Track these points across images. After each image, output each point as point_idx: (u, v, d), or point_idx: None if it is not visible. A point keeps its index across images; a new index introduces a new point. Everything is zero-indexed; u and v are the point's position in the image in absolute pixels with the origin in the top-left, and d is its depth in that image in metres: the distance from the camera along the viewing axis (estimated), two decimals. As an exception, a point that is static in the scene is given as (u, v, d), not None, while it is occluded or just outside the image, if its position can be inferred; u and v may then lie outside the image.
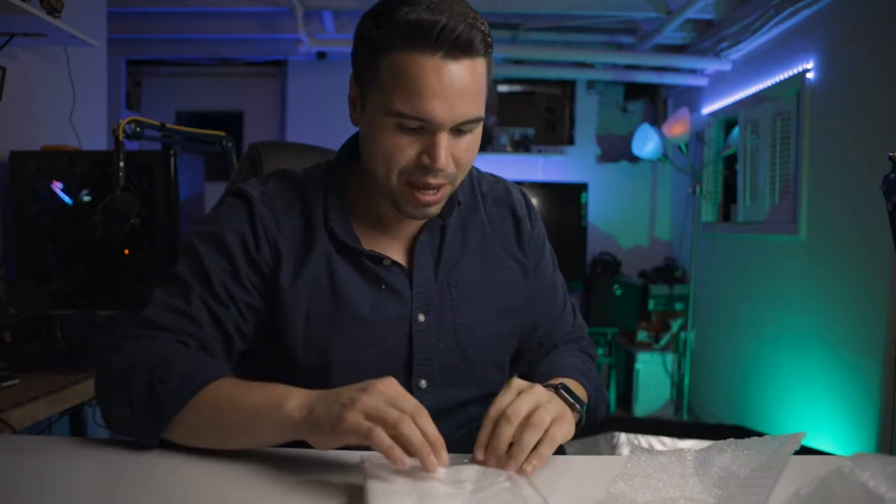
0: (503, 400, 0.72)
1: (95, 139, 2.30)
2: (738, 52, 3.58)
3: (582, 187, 4.30)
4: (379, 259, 0.89)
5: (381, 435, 0.63)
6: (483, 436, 0.71)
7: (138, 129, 1.64)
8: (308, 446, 0.72)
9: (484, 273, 0.95)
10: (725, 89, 3.75)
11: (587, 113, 4.60)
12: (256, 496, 0.66)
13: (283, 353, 0.88)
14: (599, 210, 4.48)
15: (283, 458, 0.74)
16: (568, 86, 4.64)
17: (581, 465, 0.82)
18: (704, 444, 0.71)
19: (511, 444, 0.70)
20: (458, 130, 0.80)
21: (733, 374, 3.52)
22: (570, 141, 4.62)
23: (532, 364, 1.01)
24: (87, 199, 1.73)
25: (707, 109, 3.94)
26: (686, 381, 3.79)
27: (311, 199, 0.91)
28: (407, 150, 0.80)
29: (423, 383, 0.90)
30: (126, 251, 1.73)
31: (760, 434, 0.75)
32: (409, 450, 0.64)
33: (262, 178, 0.95)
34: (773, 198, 3.19)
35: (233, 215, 0.89)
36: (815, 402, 2.78)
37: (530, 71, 4.27)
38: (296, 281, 0.87)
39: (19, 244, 1.74)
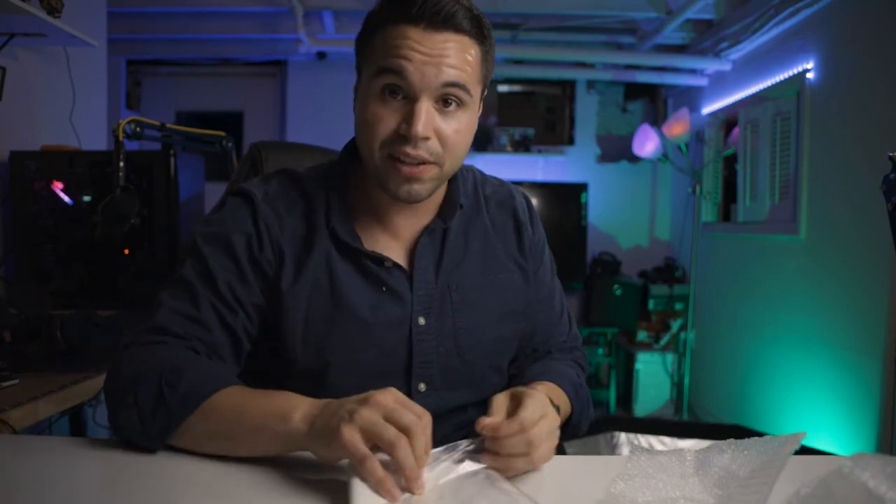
0: (532, 416, 0.71)
1: (95, 139, 2.30)
2: (738, 52, 3.58)
3: (582, 187, 4.30)
4: (380, 260, 0.89)
5: (373, 468, 0.62)
6: (504, 429, 0.70)
7: (138, 129, 1.64)
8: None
9: (485, 277, 0.95)
10: (725, 89, 3.75)
11: (587, 113, 4.60)
12: (256, 496, 0.66)
13: (282, 352, 0.88)
14: (599, 210, 4.48)
15: (284, 458, 0.74)
16: (568, 86, 4.65)
17: (581, 465, 0.82)
18: (704, 444, 0.71)
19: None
20: (443, 101, 0.81)
21: (733, 374, 3.52)
22: (570, 141, 4.62)
23: (523, 368, 1.00)
24: (87, 199, 1.73)
25: (707, 109, 3.94)
26: (686, 381, 3.79)
27: (314, 199, 0.91)
28: (387, 120, 0.81)
29: (423, 386, 0.90)
30: (126, 251, 1.73)
31: (760, 434, 0.75)
32: (401, 471, 0.63)
33: (265, 177, 0.95)
34: (773, 198, 3.19)
35: (236, 215, 0.89)
36: (815, 402, 2.78)
37: (530, 71, 4.27)
38: (295, 282, 0.87)
39: (19, 244, 1.74)
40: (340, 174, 0.93)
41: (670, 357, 4.01)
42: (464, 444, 0.73)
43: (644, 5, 3.57)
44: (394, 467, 0.63)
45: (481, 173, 1.03)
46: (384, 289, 0.89)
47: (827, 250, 2.76)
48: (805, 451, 1.97)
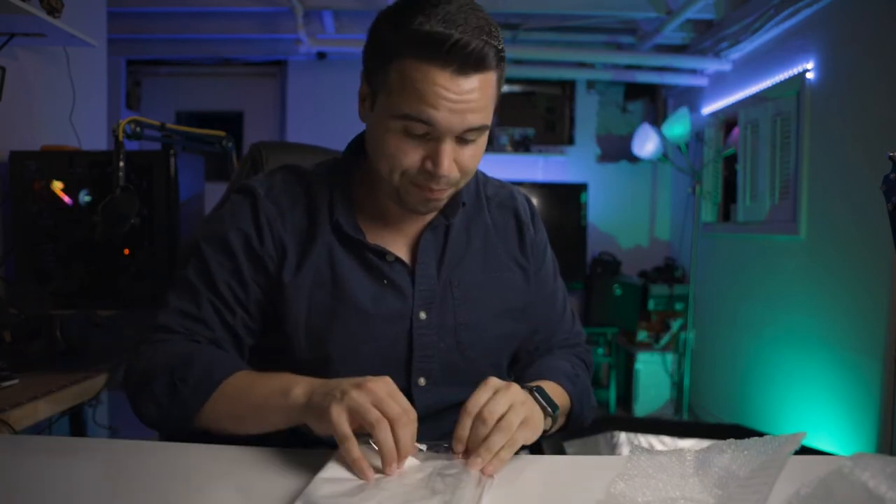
0: (480, 397, 0.73)
1: (95, 139, 2.30)
2: (738, 52, 3.58)
3: (582, 187, 4.30)
4: (382, 254, 0.90)
5: (351, 448, 0.66)
6: (461, 430, 0.72)
7: (138, 129, 1.64)
8: (308, 446, 0.74)
9: (486, 274, 0.96)
10: (725, 89, 3.75)
11: (587, 113, 4.60)
12: (257, 496, 0.66)
13: (284, 345, 0.90)
14: (599, 210, 4.48)
15: (285, 457, 0.74)
16: (568, 86, 4.65)
17: (581, 465, 0.82)
18: (704, 443, 0.71)
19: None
20: (462, 139, 0.81)
21: (733, 374, 3.52)
22: (570, 141, 4.62)
23: (525, 367, 1.01)
24: (87, 199, 1.73)
25: (707, 109, 3.94)
26: (686, 381, 3.79)
27: (318, 193, 0.92)
28: (411, 154, 0.81)
29: (423, 381, 0.90)
30: (126, 251, 1.73)
31: (760, 434, 0.75)
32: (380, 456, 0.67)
33: (270, 172, 0.97)
34: (773, 198, 3.19)
35: (236, 213, 0.91)
36: (815, 402, 2.78)
37: (530, 71, 4.27)
38: (297, 274, 0.89)
39: (19, 244, 1.74)
40: (345, 170, 0.94)
41: (670, 357, 4.01)
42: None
43: (644, 5, 3.57)
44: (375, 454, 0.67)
45: (483, 174, 1.04)
46: (385, 282, 0.90)
47: (827, 250, 2.76)
48: (805, 451, 1.97)
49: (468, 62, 0.76)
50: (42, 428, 1.75)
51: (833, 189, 2.72)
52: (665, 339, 4.04)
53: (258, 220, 0.89)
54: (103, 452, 0.76)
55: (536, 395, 0.82)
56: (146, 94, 4.54)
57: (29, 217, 1.74)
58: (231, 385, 0.80)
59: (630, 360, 4.10)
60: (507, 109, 4.62)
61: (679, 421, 3.70)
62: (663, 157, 3.89)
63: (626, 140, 4.38)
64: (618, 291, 4.14)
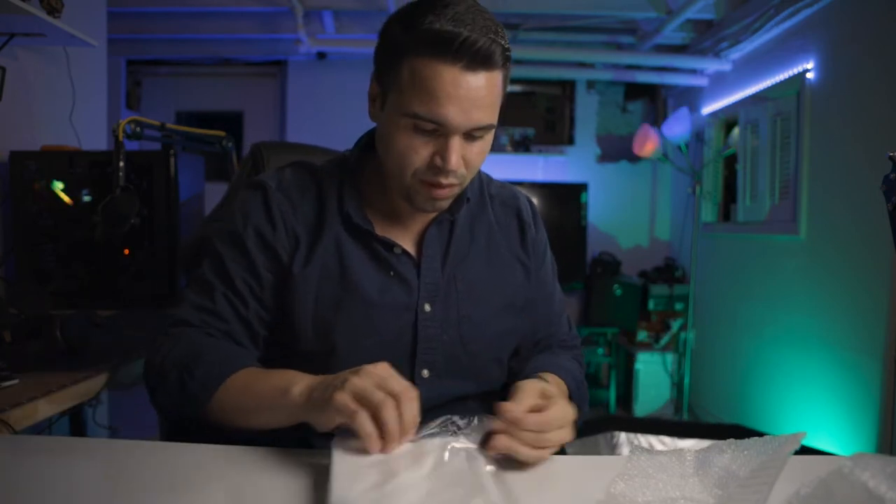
0: (555, 418, 0.74)
1: (95, 139, 2.30)
2: (738, 52, 3.58)
3: (582, 187, 4.30)
4: (390, 246, 0.93)
5: (364, 421, 0.66)
6: (518, 409, 0.72)
7: (138, 129, 1.64)
8: (308, 446, 0.74)
9: (489, 270, 0.98)
10: (725, 89, 3.75)
11: (587, 113, 4.60)
12: (257, 496, 0.66)
13: (290, 335, 0.91)
14: (599, 210, 4.48)
15: (285, 457, 0.74)
16: (568, 86, 4.64)
17: (581, 465, 0.82)
18: (704, 444, 0.71)
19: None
20: (470, 136, 0.84)
21: (733, 374, 3.52)
22: (570, 141, 4.62)
23: (525, 361, 1.02)
24: (87, 199, 1.73)
25: (707, 109, 3.94)
26: (686, 381, 3.79)
27: (327, 186, 0.95)
28: (421, 150, 0.84)
29: (426, 373, 0.92)
30: (126, 251, 1.73)
31: (760, 434, 0.75)
32: (383, 433, 0.67)
33: (279, 168, 0.99)
34: (773, 198, 3.19)
35: (247, 207, 0.93)
36: (815, 402, 2.78)
37: (530, 71, 4.27)
38: (306, 265, 0.91)
39: (19, 244, 1.74)
40: (354, 166, 0.97)
41: (670, 357, 4.01)
42: (459, 421, 0.74)
43: (644, 5, 3.57)
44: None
45: (486, 175, 1.07)
46: (392, 273, 0.92)
47: (827, 250, 2.76)
48: (805, 451, 1.97)
49: (476, 59, 0.79)
50: (42, 428, 1.75)
51: (833, 189, 2.72)
52: (665, 339, 4.04)
53: (270, 213, 0.92)
54: (103, 452, 0.76)
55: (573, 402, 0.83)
56: (146, 94, 4.54)
57: (29, 217, 1.74)
58: (236, 381, 0.81)
59: (630, 360, 4.10)
60: (507, 109, 4.51)
61: (679, 421, 3.70)
62: (663, 157, 3.89)
63: (626, 140, 4.38)
64: (618, 291, 4.14)
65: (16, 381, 1.11)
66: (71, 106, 2.11)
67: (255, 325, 0.91)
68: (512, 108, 4.62)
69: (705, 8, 3.45)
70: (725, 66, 3.72)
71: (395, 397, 0.67)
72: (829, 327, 2.71)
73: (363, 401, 0.67)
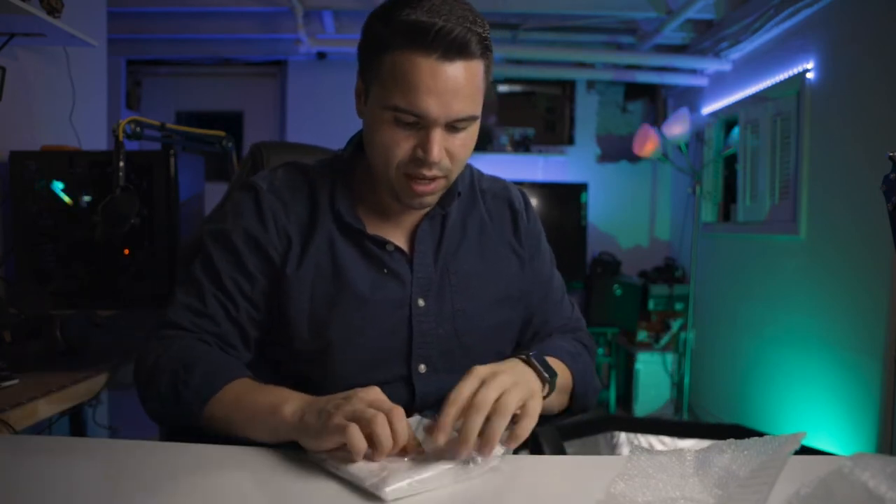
0: (465, 388, 0.71)
1: (95, 139, 2.30)
2: (738, 52, 3.58)
3: (582, 187, 4.30)
4: (382, 243, 0.93)
5: (355, 433, 0.66)
6: (445, 420, 0.69)
7: (138, 129, 1.64)
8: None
9: (482, 262, 0.98)
10: (725, 89, 3.75)
11: (587, 113, 4.60)
12: (257, 495, 0.66)
13: (285, 335, 0.91)
14: (599, 210, 4.48)
15: (285, 457, 0.74)
16: (568, 86, 4.64)
17: (581, 465, 0.82)
18: (704, 443, 0.71)
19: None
20: (452, 127, 0.84)
21: (733, 374, 3.52)
22: (570, 141, 4.62)
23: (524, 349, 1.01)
24: (87, 199, 1.73)
25: (707, 109, 3.94)
26: (686, 381, 3.79)
27: (319, 186, 0.95)
28: (403, 143, 0.84)
29: (423, 367, 0.92)
30: (126, 251, 1.73)
31: (760, 434, 0.75)
32: (375, 444, 0.67)
33: (272, 169, 0.99)
34: (773, 198, 3.19)
35: (239, 209, 0.93)
36: (815, 402, 2.78)
37: (530, 71, 4.27)
38: (300, 265, 0.91)
39: (19, 244, 1.74)
40: (345, 165, 0.97)
41: (670, 357, 4.01)
42: (431, 421, 0.73)
43: (644, 5, 3.57)
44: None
45: (478, 171, 1.07)
46: (385, 270, 0.92)
47: (827, 250, 2.76)
48: (805, 451, 1.97)
49: (452, 48, 0.79)
50: (42, 428, 1.75)
51: (833, 189, 2.72)
52: (665, 339, 4.04)
53: (262, 214, 0.92)
54: (103, 452, 0.76)
55: (532, 360, 0.80)
56: (146, 94, 4.54)
57: (29, 217, 1.74)
58: (229, 392, 0.81)
59: (630, 360, 4.10)
60: (507, 109, 4.62)
61: (679, 421, 3.70)
62: (663, 157, 3.89)
63: (626, 140, 4.38)
64: (618, 291, 4.14)
65: (16, 381, 1.11)
66: (71, 106, 2.10)
67: (247, 326, 0.91)
68: (512, 108, 4.63)
69: (705, 8, 3.45)
70: (725, 66, 3.72)
71: (387, 413, 0.68)
72: (829, 327, 2.71)
73: (354, 418, 0.68)
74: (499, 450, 0.71)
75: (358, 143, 0.97)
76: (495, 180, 1.07)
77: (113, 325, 1.35)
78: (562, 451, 0.88)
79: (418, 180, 0.86)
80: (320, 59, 4.31)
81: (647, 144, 3.74)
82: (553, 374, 0.81)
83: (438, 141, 0.83)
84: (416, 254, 0.94)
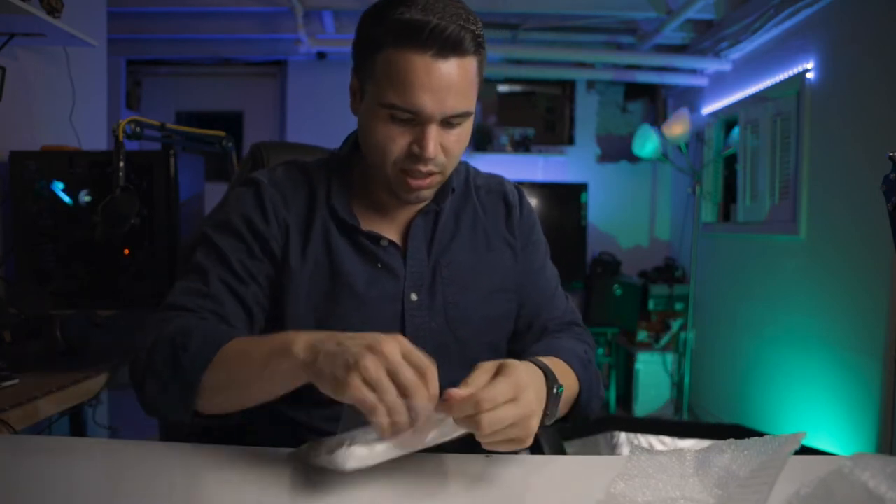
0: (497, 394, 0.67)
1: (95, 139, 2.30)
2: (738, 52, 3.58)
3: (582, 187, 4.30)
4: (377, 239, 0.94)
5: (382, 416, 0.63)
6: (456, 393, 0.66)
7: (138, 129, 1.64)
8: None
9: (475, 256, 0.99)
10: (725, 89, 3.75)
11: (587, 113, 4.59)
12: (257, 495, 0.66)
13: (281, 327, 0.90)
14: (599, 210, 4.48)
15: (285, 457, 0.74)
16: (568, 86, 4.64)
17: (581, 465, 0.82)
18: (704, 443, 0.71)
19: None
20: (447, 123, 0.85)
21: (733, 374, 3.52)
22: (570, 141, 4.61)
23: (526, 346, 0.99)
24: (87, 199, 1.73)
25: (707, 109, 3.94)
26: (686, 381, 3.79)
27: (316, 181, 0.96)
28: (399, 140, 0.85)
29: None
30: (126, 251, 1.73)
31: (760, 434, 0.75)
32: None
33: (271, 167, 1.01)
34: (773, 198, 3.19)
35: (240, 201, 0.94)
36: (815, 402, 2.78)
37: (530, 71, 4.27)
38: (299, 260, 0.91)
39: (19, 244, 1.74)
40: (341, 162, 0.99)
41: (670, 357, 4.01)
42: None
43: (644, 5, 3.57)
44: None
45: (474, 168, 1.08)
46: (380, 265, 0.93)
47: (827, 250, 2.76)
48: (805, 451, 1.97)
49: (447, 46, 0.81)
50: (42, 428, 1.75)
51: (833, 189, 2.72)
52: (665, 339, 4.04)
53: (263, 205, 0.93)
54: (103, 452, 0.76)
55: (543, 371, 0.77)
56: (146, 94, 4.54)
57: (29, 217, 1.74)
58: (231, 349, 0.77)
59: (630, 360, 4.10)
60: (507, 109, 4.62)
61: (679, 421, 3.70)
62: (663, 157, 3.89)
63: (626, 140, 4.38)
64: (618, 291, 4.14)
65: (16, 381, 1.11)
66: (71, 106, 2.11)
67: (253, 307, 0.89)
68: (512, 108, 4.63)
69: (705, 8, 3.45)
70: (725, 66, 3.72)
71: (407, 392, 0.64)
72: (829, 327, 2.71)
73: (377, 391, 0.63)
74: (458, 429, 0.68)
75: (355, 141, 0.99)
76: (491, 176, 1.08)
77: (113, 325, 1.35)
78: (562, 451, 0.87)
79: (414, 175, 0.87)
80: (320, 59, 4.31)
81: (648, 144, 3.73)
82: (558, 386, 0.78)
83: (434, 137, 0.84)
84: (410, 248, 0.95)
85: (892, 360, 2.30)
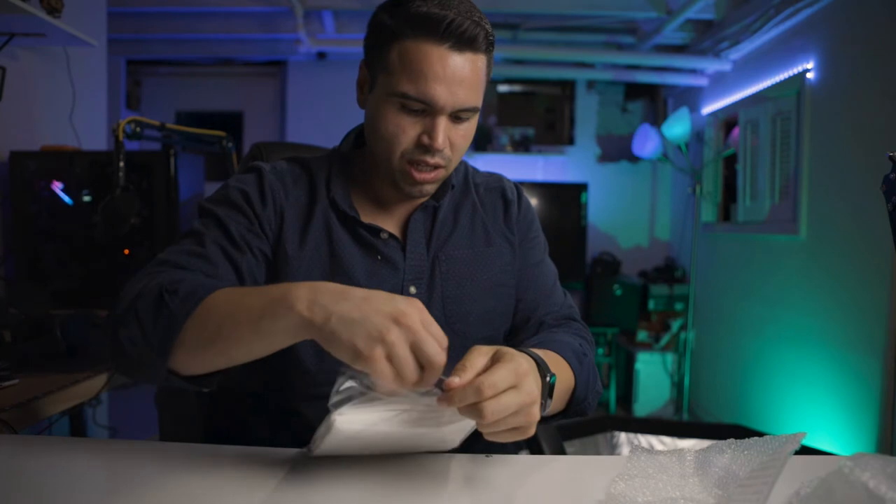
0: (498, 379, 0.64)
1: (95, 139, 2.30)
2: (738, 52, 3.58)
3: (582, 187, 4.30)
4: (377, 231, 0.95)
5: (394, 386, 0.63)
6: (459, 379, 0.64)
7: (138, 129, 1.64)
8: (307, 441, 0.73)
9: (473, 251, 1.00)
10: (725, 89, 3.75)
11: (587, 113, 4.60)
12: (256, 495, 0.66)
13: None
14: (599, 210, 4.48)
15: (285, 457, 0.74)
16: (568, 86, 4.64)
17: (581, 465, 0.82)
18: (704, 444, 0.71)
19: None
20: (456, 117, 0.87)
21: (733, 374, 3.52)
22: (570, 141, 4.62)
23: (522, 340, 0.98)
24: (87, 199, 1.73)
25: (707, 109, 3.94)
26: (686, 381, 3.79)
27: (317, 175, 0.98)
28: (409, 130, 0.86)
29: None
30: (126, 251, 1.73)
31: (760, 434, 0.75)
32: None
33: (274, 161, 1.02)
34: (773, 198, 3.19)
35: (241, 181, 0.95)
36: (815, 402, 2.78)
37: (530, 71, 4.27)
38: (298, 250, 0.92)
39: (19, 244, 1.74)
40: (342, 158, 1.00)
41: (670, 357, 4.01)
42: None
43: (644, 5, 3.57)
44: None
45: (473, 167, 1.10)
46: (380, 258, 0.94)
47: (827, 250, 2.76)
48: (805, 451, 1.97)
49: (462, 40, 0.83)
50: (42, 428, 1.75)
51: (833, 189, 2.72)
52: (665, 339, 4.04)
53: (262, 189, 0.93)
54: (103, 452, 0.76)
55: (536, 361, 0.74)
56: (146, 94, 4.54)
57: (29, 217, 1.74)
58: (221, 297, 0.72)
59: (630, 360, 4.10)
60: (507, 109, 4.62)
61: (679, 421, 3.70)
62: (663, 157, 3.89)
63: (626, 140, 4.38)
64: (618, 291, 4.14)
65: (16, 381, 1.11)
66: (71, 106, 2.11)
67: (246, 274, 0.86)
68: (512, 108, 4.63)
69: (705, 8, 3.45)
70: (725, 66, 3.72)
71: (430, 365, 0.63)
72: (829, 327, 2.71)
73: (399, 367, 0.62)
74: (468, 424, 0.67)
75: (355, 138, 1.00)
76: (490, 175, 1.10)
77: (113, 325, 1.35)
78: (562, 451, 0.87)
79: (420, 168, 0.88)
80: (320, 59, 4.31)
81: (648, 144, 3.73)
82: (551, 375, 0.75)
83: (444, 129, 0.85)
84: (409, 241, 0.96)
85: (892, 360, 2.30)
